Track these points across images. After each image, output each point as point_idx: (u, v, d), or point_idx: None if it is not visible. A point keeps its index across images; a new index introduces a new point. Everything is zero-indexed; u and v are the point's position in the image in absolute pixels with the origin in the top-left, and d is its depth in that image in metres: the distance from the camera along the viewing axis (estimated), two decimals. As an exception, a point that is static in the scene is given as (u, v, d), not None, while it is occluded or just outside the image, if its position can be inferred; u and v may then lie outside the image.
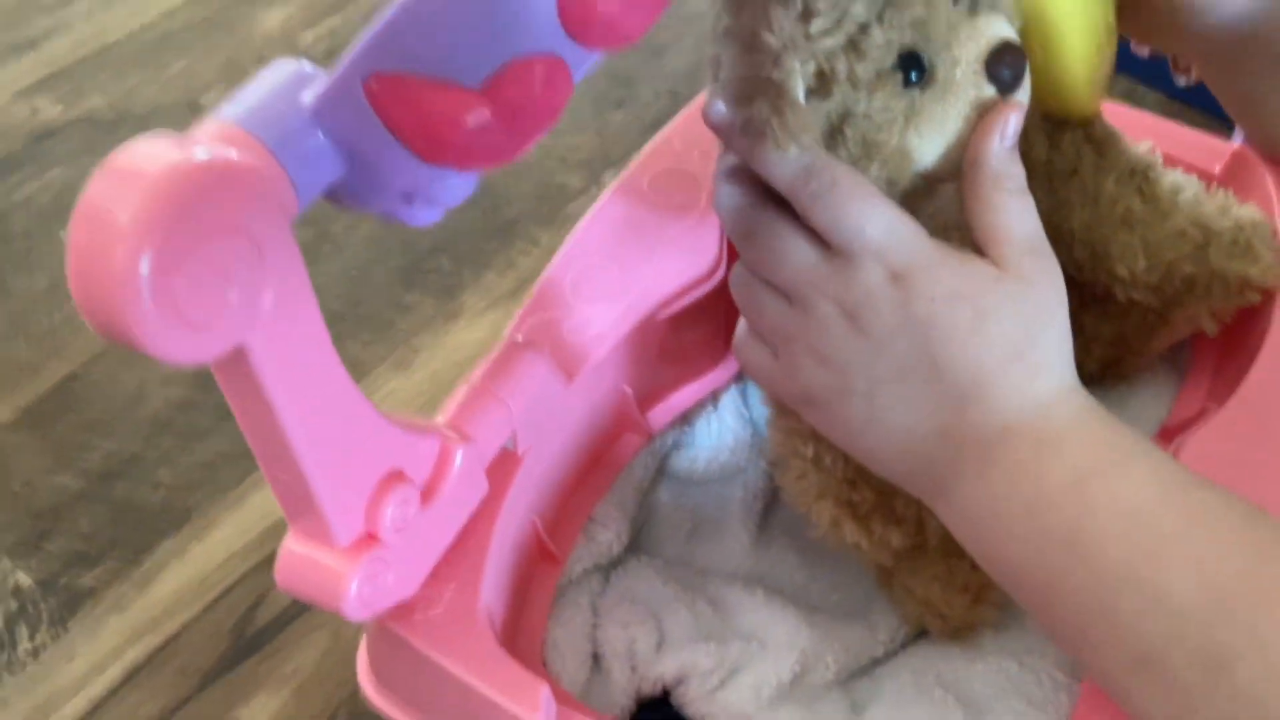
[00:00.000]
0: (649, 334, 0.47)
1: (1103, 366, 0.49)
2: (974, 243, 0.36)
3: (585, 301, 0.46)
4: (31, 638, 0.74)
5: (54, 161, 0.91)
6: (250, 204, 0.27)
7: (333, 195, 0.31)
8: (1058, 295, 0.37)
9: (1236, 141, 0.51)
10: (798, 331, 0.37)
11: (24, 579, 0.79)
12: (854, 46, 0.33)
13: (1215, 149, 0.50)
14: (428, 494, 0.36)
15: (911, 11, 0.33)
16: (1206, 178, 0.47)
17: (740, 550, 0.48)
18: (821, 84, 0.33)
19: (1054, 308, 0.36)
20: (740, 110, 0.33)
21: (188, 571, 0.81)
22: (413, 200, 0.31)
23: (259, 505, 0.80)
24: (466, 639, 0.37)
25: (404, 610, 0.37)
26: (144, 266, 0.25)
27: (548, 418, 0.43)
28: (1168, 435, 0.47)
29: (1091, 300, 0.46)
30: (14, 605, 0.75)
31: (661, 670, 0.42)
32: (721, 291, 0.49)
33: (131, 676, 0.74)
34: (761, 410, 0.52)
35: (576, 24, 0.27)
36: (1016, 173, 0.36)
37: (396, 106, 0.28)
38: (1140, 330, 0.48)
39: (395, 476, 0.35)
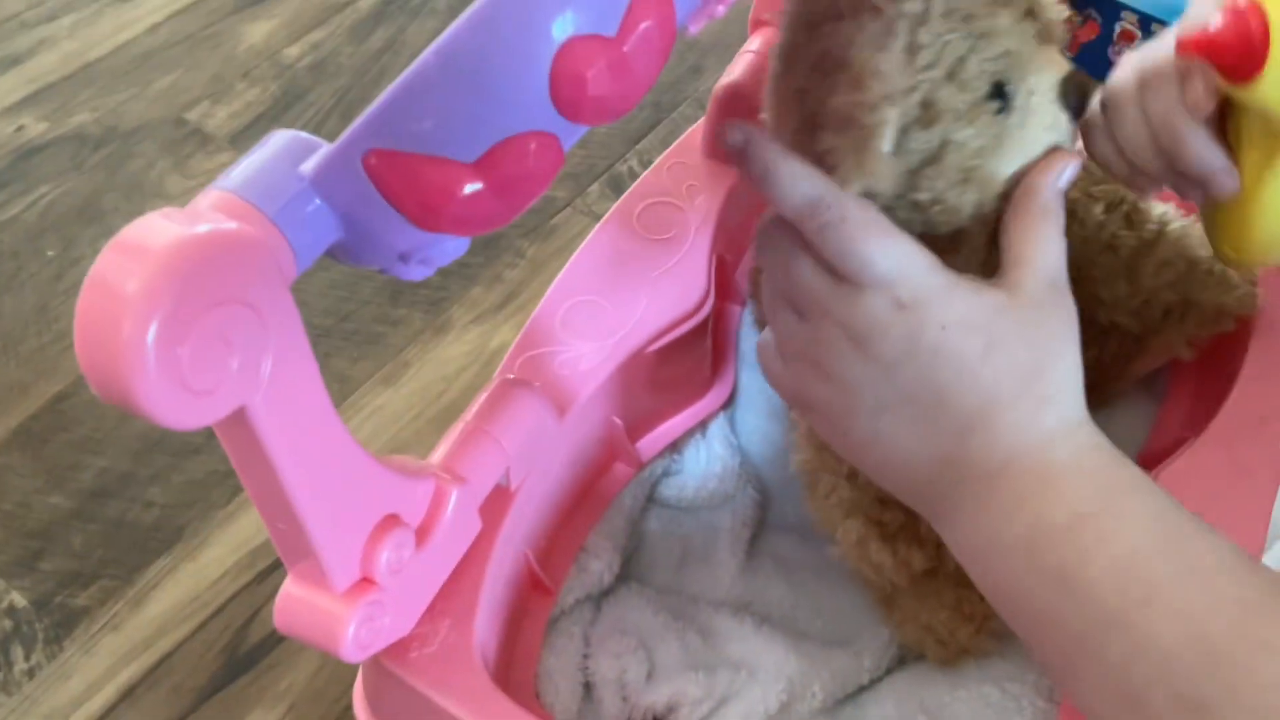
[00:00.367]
0: (638, 367, 0.48)
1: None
2: (999, 265, 0.37)
3: (576, 337, 0.47)
4: (27, 658, 0.75)
5: (41, 179, 0.91)
6: (251, 273, 0.28)
7: (331, 254, 0.32)
8: (1071, 329, 0.37)
9: None
10: (805, 348, 0.37)
11: (19, 599, 0.79)
12: (952, 78, 0.34)
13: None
14: (422, 536, 0.37)
15: (1001, 42, 0.35)
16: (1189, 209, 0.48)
17: (728, 577, 0.49)
18: (926, 114, 0.35)
19: (1067, 340, 0.37)
20: (823, 139, 0.34)
21: (181, 590, 0.82)
22: (409, 260, 0.32)
23: (251, 523, 0.80)
24: (461, 676, 0.38)
25: (400, 648, 0.38)
26: (150, 336, 0.26)
27: (540, 452, 0.43)
28: (1144, 461, 0.48)
29: None
30: (9, 625, 0.75)
31: (652, 699, 0.43)
32: (709, 323, 0.50)
33: (127, 695, 0.74)
34: (751, 438, 0.53)
35: (568, 105, 0.28)
36: (1061, 213, 0.37)
37: (394, 180, 0.29)
38: (1118, 356, 0.49)
39: (391, 521, 0.36)
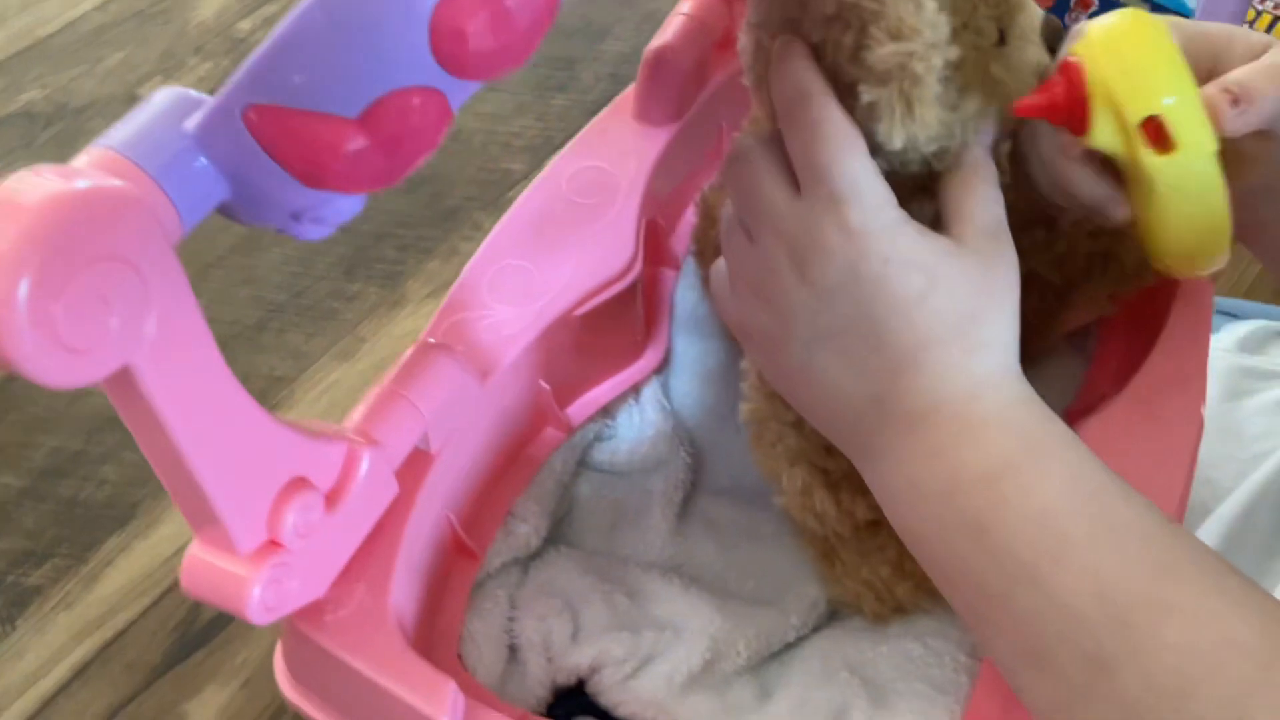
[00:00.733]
0: (566, 331, 0.48)
1: None
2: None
3: (501, 302, 0.47)
4: (-21, 636, 0.74)
5: (-10, 157, 0.91)
6: (129, 231, 0.28)
7: (223, 212, 0.32)
8: (1011, 282, 0.38)
9: None
10: (750, 269, 0.38)
11: (-31, 578, 0.79)
12: (968, 25, 0.37)
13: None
14: (334, 499, 0.37)
15: None
16: None
17: (660, 540, 0.49)
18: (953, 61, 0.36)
19: (1006, 290, 0.37)
20: (868, 90, 0.35)
21: (134, 567, 0.82)
22: (301, 219, 0.32)
23: (203, 498, 0.80)
24: (375, 639, 0.38)
25: (314, 611, 0.38)
26: (21, 292, 0.26)
27: (462, 417, 0.43)
28: (1071, 420, 0.48)
29: None
30: (-40, 604, 0.75)
31: (576, 660, 0.43)
32: (639, 288, 0.50)
33: (80, 673, 0.74)
34: (684, 402, 0.53)
35: (450, 60, 0.28)
36: (992, 167, 0.38)
37: (275, 136, 0.29)
38: (1041, 310, 0.49)
39: (299, 483, 0.36)
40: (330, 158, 0.29)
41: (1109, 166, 0.39)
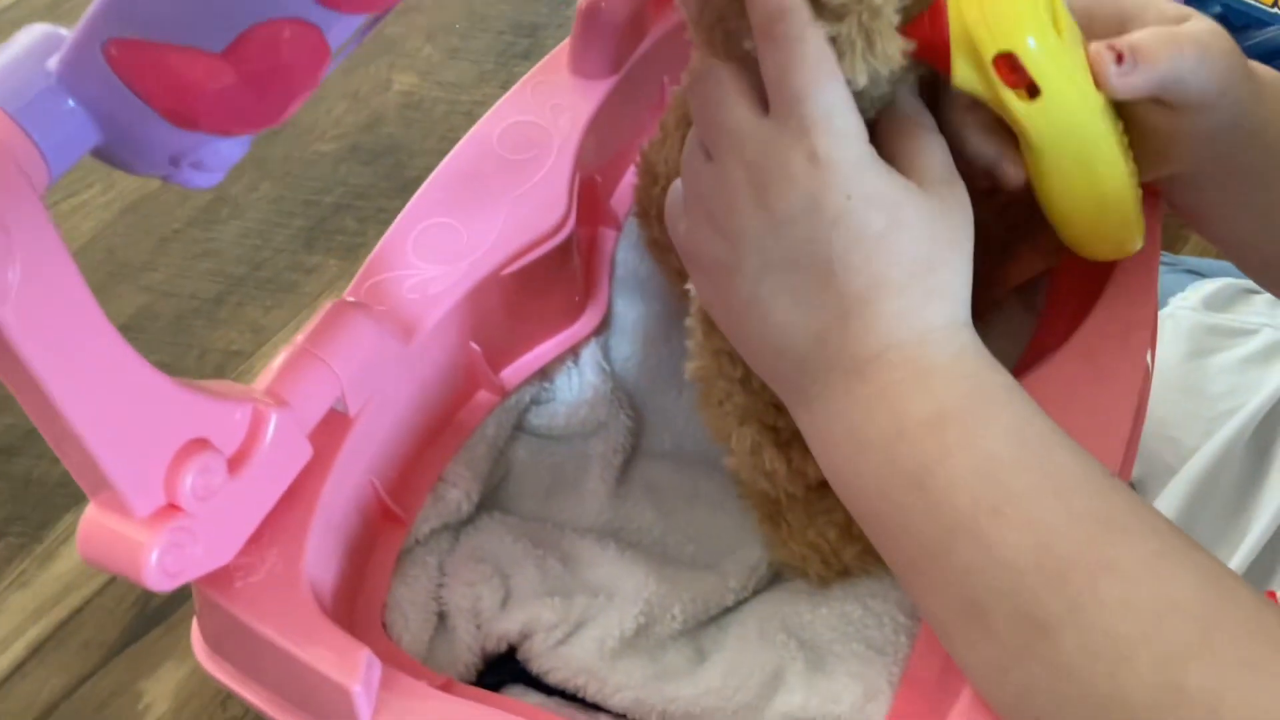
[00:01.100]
0: (497, 291, 0.46)
1: None
2: None
3: (426, 261, 0.45)
4: (-67, 616, 0.73)
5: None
6: (-16, 175, 0.26)
7: (100, 157, 0.30)
8: (967, 230, 0.37)
9: None
10: (706, 190, 0.36)
11: (-78, 556, 0.78)
12: None
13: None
14: (239, 461, 0.36)
15: None
16: None
17: (597, 504, 0.48)
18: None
19: (963, 237, 0.36)
20: (826, 26, 0.34)
21: (87, 543, 0.80)
22: (180, 164, 0.30)
23: (157, 474, 0.79)
24: (286, 606, 0.36)
25: (223, 577, 0.37)
26: None
27: (385, 378, 0.42)
28: (1019, 375, 0.47)
29: None
30: (-88, 583, 0.74)
31: (506, 626, 0.42)
32: (574, 248, 0.49)
33: (36, 652, 0.73)
34: (625, 365, 0.52)
35: (318, -14, 0.26)
36: (927, 114, 0.37)
37: (139, 72, 0.27)
38: (986, 262, 0.47)
39: (198, 445, 0.34)
40: (196, 95, 0.27)
41: (1001, 127, 0.38)
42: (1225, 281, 0.68)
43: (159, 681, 0.73)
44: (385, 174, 0.96)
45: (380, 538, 0.43)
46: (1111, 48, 0.37)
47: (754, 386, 0.41)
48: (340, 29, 0.29)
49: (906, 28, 0.36)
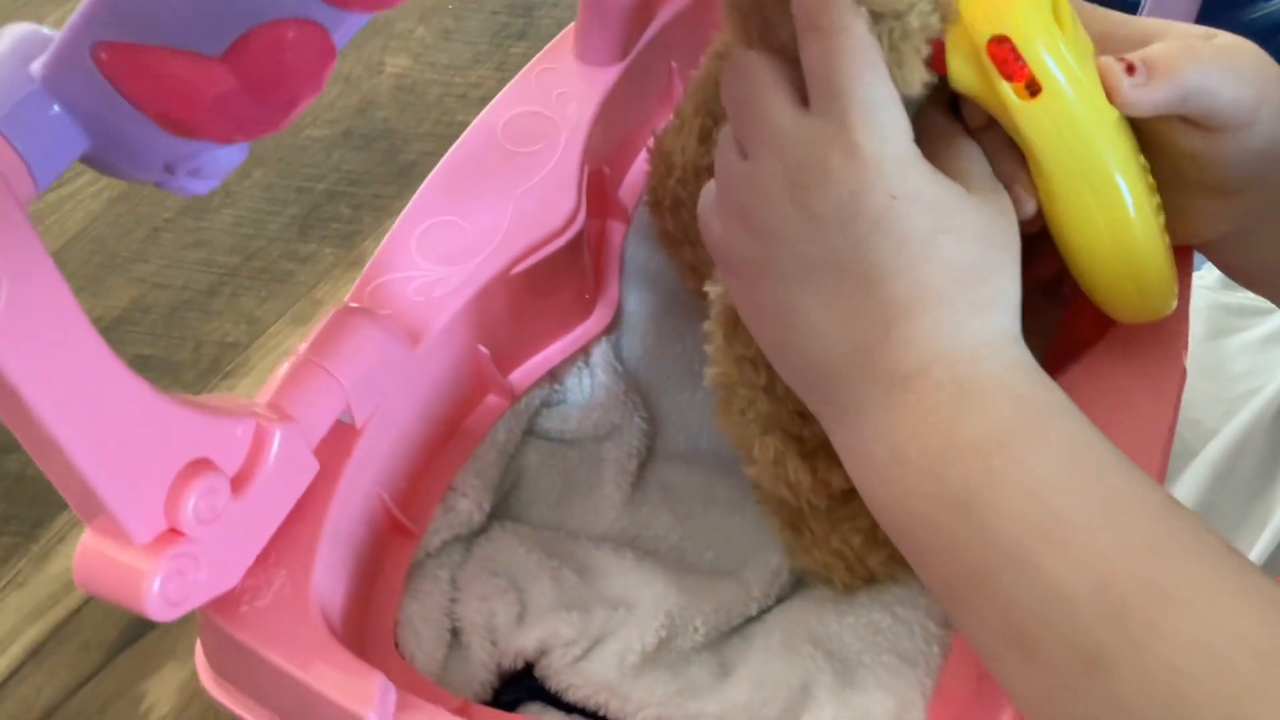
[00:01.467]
0: (505, 291, 0.44)
1: None
2: None
3: (431, 261, 0.43)
4: (-71, 618, 0.72)
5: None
6: (-36, 190, 0.24)
7: (88, 163, 0.29)
8: (1014, 234, 0.35)
9: None
10: (740, 189, 0.35)
11: (-87, 560, 0.76)
12: None
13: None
14: (241, 481, 0.34)
15: None
16: None
17: (612, 511, 0.46)
18: None
19: (1011, 248, 0.34)
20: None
21: (83, 545, 0.79)
22: (176, 172, 0.28)
23: (153, 474, 0.77)
24: (295, 630, 0.35)
25: (229, 602, 0.35)
26: None
27: (391, 386, 0.40)
28: (1049, 368, 0.46)
29: None
30: (-93, 585, 0.72)
31: (522, 643, 0.40)
32: (583, 244, 0.47)
33: (34, 655, 0.72)
34: (638, 363, 0.50)
35: (323, -16, 0.24)
36: (958, 123, 0.36)
37: (130, 78, 0.25)
38: None
39: (200, 465, 0.33)
40: (193, 102, 0.25)
41: (1014, 150, 0.35)
42: (1242, 260, 0.66)
43: (161, 683, 0.72)
44: (379, 159, 0.94)
45: (390, 551, 0.42)
46: (1121, 59, 0.34)
47: (779, 394, 0.39)
48: (346, 26, 0.27)
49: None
